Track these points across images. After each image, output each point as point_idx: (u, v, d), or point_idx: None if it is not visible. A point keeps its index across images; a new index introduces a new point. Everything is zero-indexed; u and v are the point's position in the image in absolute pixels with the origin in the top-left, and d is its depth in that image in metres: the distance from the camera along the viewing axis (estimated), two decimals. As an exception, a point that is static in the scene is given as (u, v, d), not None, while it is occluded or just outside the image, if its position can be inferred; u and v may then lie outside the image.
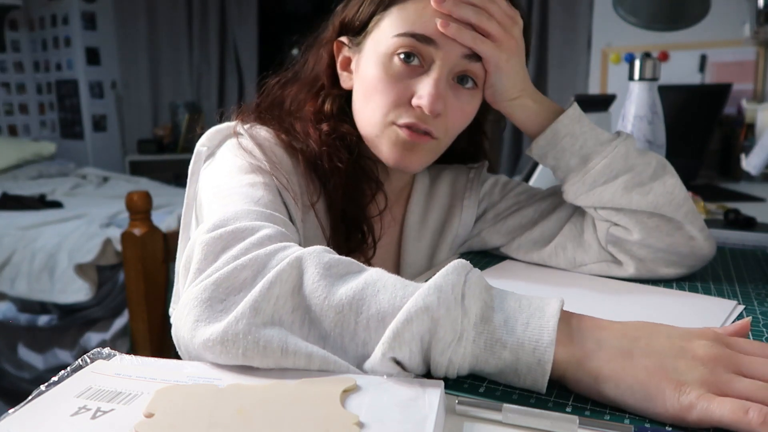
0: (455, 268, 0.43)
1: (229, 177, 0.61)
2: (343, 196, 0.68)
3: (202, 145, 0.68)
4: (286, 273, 0.43)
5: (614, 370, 0.40)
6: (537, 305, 0.42)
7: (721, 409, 0.36)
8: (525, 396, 0.41)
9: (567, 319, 0.43)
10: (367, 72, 0.66)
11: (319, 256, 0.45)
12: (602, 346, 0.41)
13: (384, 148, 0.67)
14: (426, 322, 0.39)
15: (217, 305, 0.42)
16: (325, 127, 0.69)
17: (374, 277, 0.44)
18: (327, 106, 0.71)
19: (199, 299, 0.43)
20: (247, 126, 0.68)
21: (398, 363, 0.40)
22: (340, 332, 0.41)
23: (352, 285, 0.43)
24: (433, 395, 0.38)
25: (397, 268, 0.79)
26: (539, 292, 0.54)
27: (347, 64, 0.71)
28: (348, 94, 0.72)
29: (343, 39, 0.70)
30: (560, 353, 0.40)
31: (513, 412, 0.38)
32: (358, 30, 0.68)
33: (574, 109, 0.68)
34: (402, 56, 0.63)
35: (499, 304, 0.42)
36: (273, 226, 0.51)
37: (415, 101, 0.63)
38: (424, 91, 0.62)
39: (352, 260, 0.46)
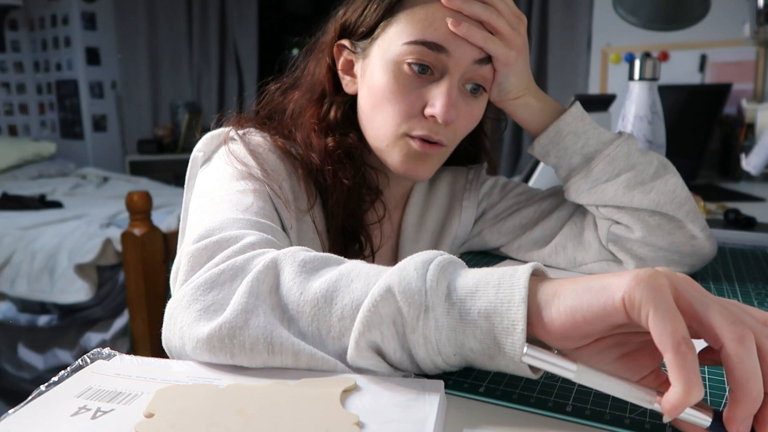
0: (425, 252, 0.41)
1: (220, 184, 0.61)
2: (344, 211, 0.68)
3: (198, 150, 0.68)
4: (263, 274, 0.43)
5: (565, 286, 0.36)
6: (509, 269, 0.39)
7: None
8: (525, 396, 0.41)
9: (542, 278, 0.39)
10: (376, 80, 0.65)
11: (295, 254, 0.45)
12: (559, 281, 0.38)
13: (394, 159, 0.67)
14: (390, 302, 0.38)
15: (200, 312, 0.43)
16: (330, 141, 0.68)
17: (349, 268, 0.43)
18: (332, 114, 0.70)
19: (182, 306, 0.44)
20: (241, 131, 0.68)
21: (380, 354, 0.40)
22: (317, 327, 0.41)
23: (326, 278, 0.42)
24: (433, 395, 0.38)
25: None
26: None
27: (349, 68, 0.70)
28: (351, 99, 0.71)
29: (344, 42, 0.69)
30: (534, 300, 0.37)
31: (588, 371, 0.34)
32: (362, 35, 0.67)
33: (577, 108, 0.69)
34: (414, 68, 0.63)
35: (469, 274, 0.40)
36: (258, 233, 0.51)
37: (428, 111, 0.63)
38: (437, 100, 0.62)
39: (331, 255, 0.46)
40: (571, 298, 0.35)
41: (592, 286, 0.35)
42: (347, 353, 0.40)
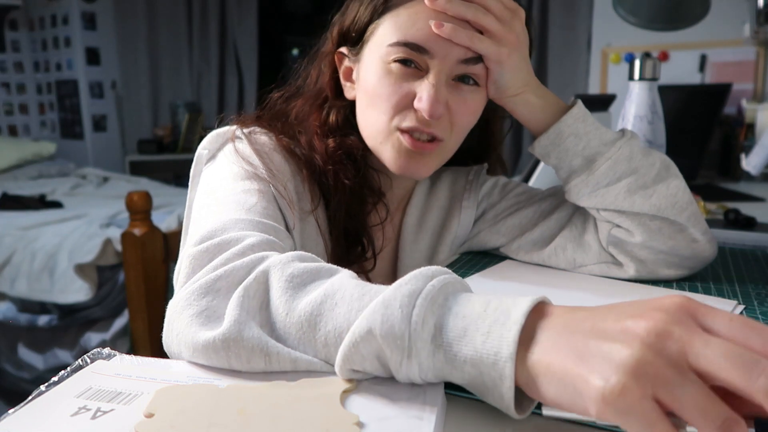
0: (414, 276, 0.39)
1: (225, 183, 0.61)
2: (346, 212, 0.68)
3: (203, 148, 0.68)
4: (253, 289, 0.43)
5: (548, 363, 0.33)
6: (504, 309, 0.36)
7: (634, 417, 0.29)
8: (525, 396, 0.41)
9: (538, 319, 0.36)
10: (368, 80, 0.66)
11: (284, 267, 0.44)
12: (548, 338, 0.35)
13: (388, 156, 0.67)
14: (372, 343, 0.37)
15: (192, 317, 0.43)
16: (331, 143, 0.68)
17: (334, 288, 0.41)
18: (332, 118, 0.71)
19: (177, 312, 0.44)
20: (247, 130, 0.68)
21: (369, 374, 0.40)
22: (304, 350, 0.41)
23: (311, 298, 0.41)
24: (433, 395, 0.38)
25: (394, 271, 0.79)
26: (538, 293, 0.54)
27: (349, 75, 0.71)
28: (352, 105, 0.72)
29: (343, 50, 0.71)
30: (521, 364, 0.35)
31: None
32: (355, 39, 0.68)
33: (579, 108, 0.67)
34: (399, 62, 0.63)
35: (460, 311, 0.37)
36: (259, 234, 0.51)
37: (416, 103, 0.63)
38: (423, 93, 0.62)
39: (322, 266, 0.45)
40: (551, 391, 0.33)
41: (569, 380, 0.32)
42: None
